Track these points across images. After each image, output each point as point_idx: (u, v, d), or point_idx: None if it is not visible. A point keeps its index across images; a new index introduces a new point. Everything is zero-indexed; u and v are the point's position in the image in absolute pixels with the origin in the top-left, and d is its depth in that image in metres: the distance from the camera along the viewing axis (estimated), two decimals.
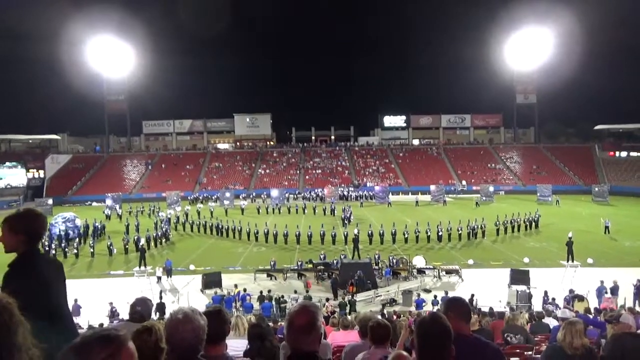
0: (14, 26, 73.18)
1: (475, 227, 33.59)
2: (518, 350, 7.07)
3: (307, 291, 21.27)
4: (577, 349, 4.03)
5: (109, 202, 52.13)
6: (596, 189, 56.19)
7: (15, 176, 66.14)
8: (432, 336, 2.38)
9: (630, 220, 40.27)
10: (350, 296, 20.24)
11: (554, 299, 17.82)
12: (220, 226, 36.79)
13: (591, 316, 11.06)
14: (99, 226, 37.65)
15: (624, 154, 72.01)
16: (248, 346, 4.85)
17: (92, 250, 30.71)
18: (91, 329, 12.17)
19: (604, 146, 75.63)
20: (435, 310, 15.96)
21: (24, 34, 76.54)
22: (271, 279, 24.43)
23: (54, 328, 2.37)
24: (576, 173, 70.57)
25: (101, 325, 14.48)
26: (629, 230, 34.93)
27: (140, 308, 3.94)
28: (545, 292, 19.02)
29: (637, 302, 18.46)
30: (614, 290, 18.84)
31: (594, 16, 72.83)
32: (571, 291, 17.60)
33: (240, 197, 57.81)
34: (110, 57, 78.92)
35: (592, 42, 74.58)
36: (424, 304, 19.13)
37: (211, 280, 22.57)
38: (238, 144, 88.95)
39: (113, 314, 18.33)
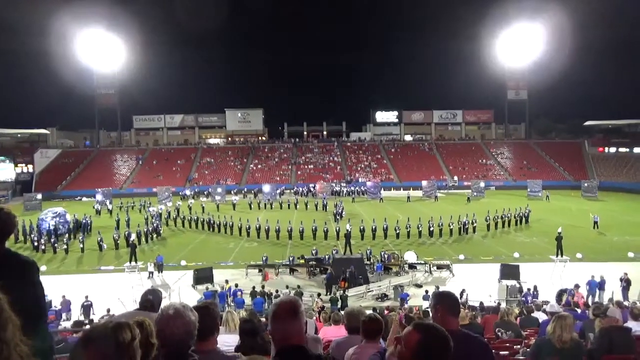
0: (2, 19, 72.15)
1: (466, 222, 33.79)
2: (508, 344, 7.14)
3: (263, 286, 20.80)
4: (565, 342, 4.08)
5: (99, 197, 51.68)
6: (585, 184, 56.81)
7: (3, 171, 65.36)
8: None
9: (619, 215, 40.78)
10: (342, 291, 20.29)
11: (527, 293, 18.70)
12: (211, 221, 36.65)
13: (579, 310, 11.20)
14: (89, 221, 37.34)
15: (612, 149, 72.74)
16: (239, 342, 4.85)
17: (82, 245, 30.42)
18: (79, 324, 12.09)
19: (594, 142, 76.30)
20: (426, 305, 16.09)
21: (13, 26, 75.62)
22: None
23: (37, 326, 2.35)
24: (566, 169, 71.19)
25: (91, 321, 14.40)
26: (618, 225, 35.35)
27: (152, 297, 3.93)
28: (535, 287, 19.21)
29: (624, 295, 18.68)
30: (602, 284, 19.08)
31: (585, 13, 73.48)
32: (577, 286, 17.14)
33: (232, 192, 57.58)
34: (100, 51, 78.10)
35: (583, 39, 75.40)
36: (408, 297, 19.36)
37: (203, 276, 22.51)
38: (230, 139, 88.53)
39: (85, 309, 17.64)
